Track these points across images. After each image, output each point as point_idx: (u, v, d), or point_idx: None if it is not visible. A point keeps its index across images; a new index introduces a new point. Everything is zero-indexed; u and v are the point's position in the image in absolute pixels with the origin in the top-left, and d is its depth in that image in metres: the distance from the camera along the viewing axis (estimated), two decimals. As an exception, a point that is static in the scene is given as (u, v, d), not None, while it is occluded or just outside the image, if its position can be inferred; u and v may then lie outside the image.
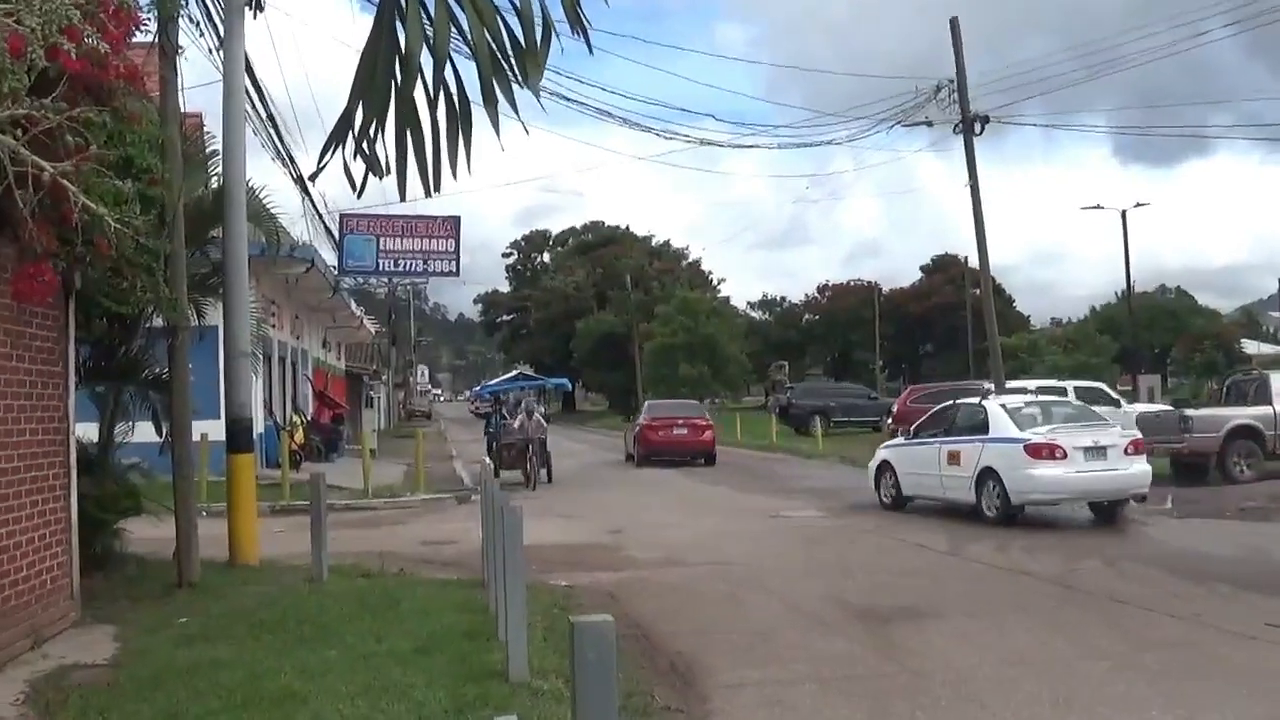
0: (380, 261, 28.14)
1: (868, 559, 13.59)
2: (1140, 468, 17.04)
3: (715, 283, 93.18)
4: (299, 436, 29.39)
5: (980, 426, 17.82)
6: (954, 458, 17.90)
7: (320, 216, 28.52)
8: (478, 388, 49.88)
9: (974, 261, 34.32)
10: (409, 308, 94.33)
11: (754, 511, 19.52)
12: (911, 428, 20.35)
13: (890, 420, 35.46)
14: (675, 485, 25.78)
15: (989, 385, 28.51)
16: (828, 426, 44.39)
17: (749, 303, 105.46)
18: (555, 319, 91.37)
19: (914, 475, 19.06)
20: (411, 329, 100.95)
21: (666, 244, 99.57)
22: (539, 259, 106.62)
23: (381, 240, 27.69)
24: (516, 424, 26.36)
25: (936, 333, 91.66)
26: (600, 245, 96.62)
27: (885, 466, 19.96)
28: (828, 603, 10.70)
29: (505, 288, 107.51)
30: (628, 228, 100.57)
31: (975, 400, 19.26)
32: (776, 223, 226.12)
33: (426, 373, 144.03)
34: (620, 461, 34.72)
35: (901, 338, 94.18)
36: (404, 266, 28.72)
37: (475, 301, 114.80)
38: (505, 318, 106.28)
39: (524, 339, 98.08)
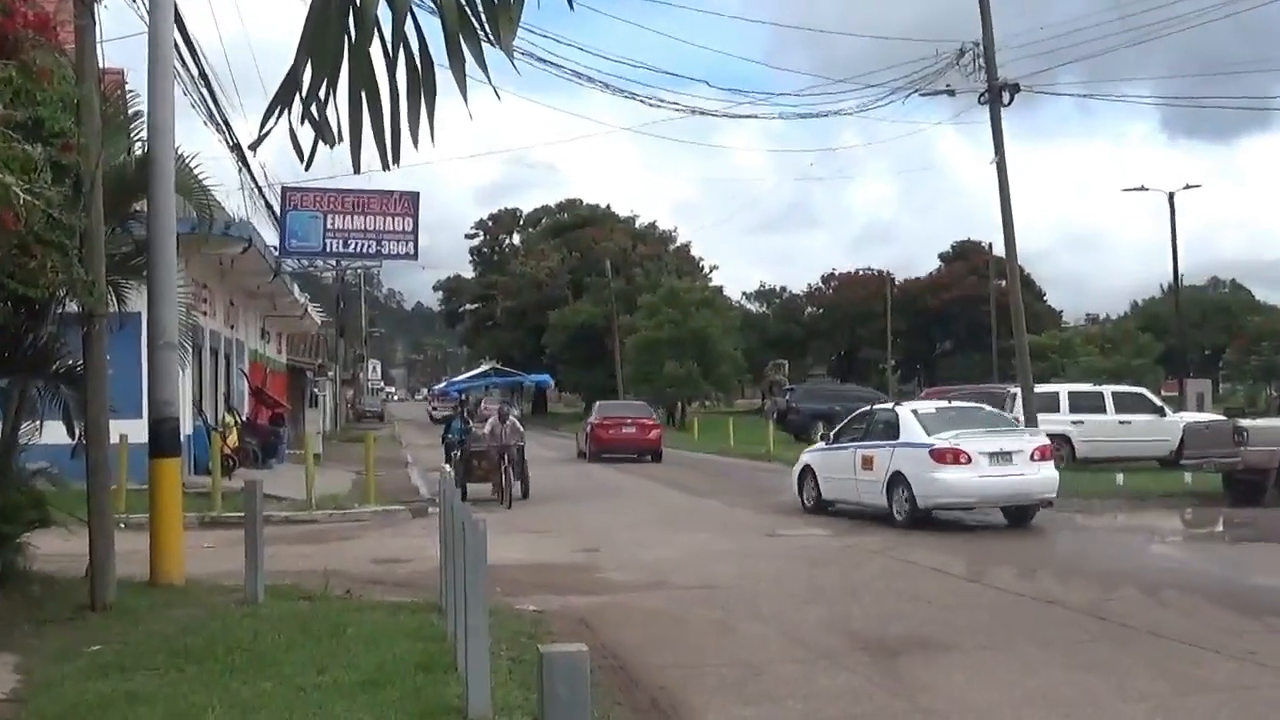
0: (328, 242, 28.11)
1: (876, 583, 13.65)
2: (1047, 474, 19.36)
3: (706, 270, 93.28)
4: (232, 439, 29.34)
5: (891, 431, 20.17)
6: (867, 462, 20.40)
7: (260, 190, 28.48)
8: (441, 384, 48.31)
9: (999, 249, 34.43)
10: (360, 295, 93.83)
11: (747, 528, 19.63)
12: (832, 432, 22.76)
13: None
14: (659, 498, 25.86)
15: (1014, 389, 28.63)
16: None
17: (745, 293, 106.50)
18: (525, 309, 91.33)
19: (832, 479, 21.57)
20: (363, 319, 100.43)
21: (652, 226, 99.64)
22: (507, 241, 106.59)
23: (329, 218, 27.64)
24: (487, 429, 26.02)
25: (956, 329, 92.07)
26: (576, 226, 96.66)
27: (807, 470, 22.56)
28: (830, 632, 10.68)
29: (469, 273, 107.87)
30: (608, 207, 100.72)
31: (889, 405, 21.92)
32: (777, 203, 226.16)
33: (379, 368, 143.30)
34: (592, 466, 34.98)
35: (916, 334, 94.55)
36: (354, 247, 28.70)
37: (435, 288, 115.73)
38: (469, 307, 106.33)
39: (490, 331, 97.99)
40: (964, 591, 13.22)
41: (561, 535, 18.87)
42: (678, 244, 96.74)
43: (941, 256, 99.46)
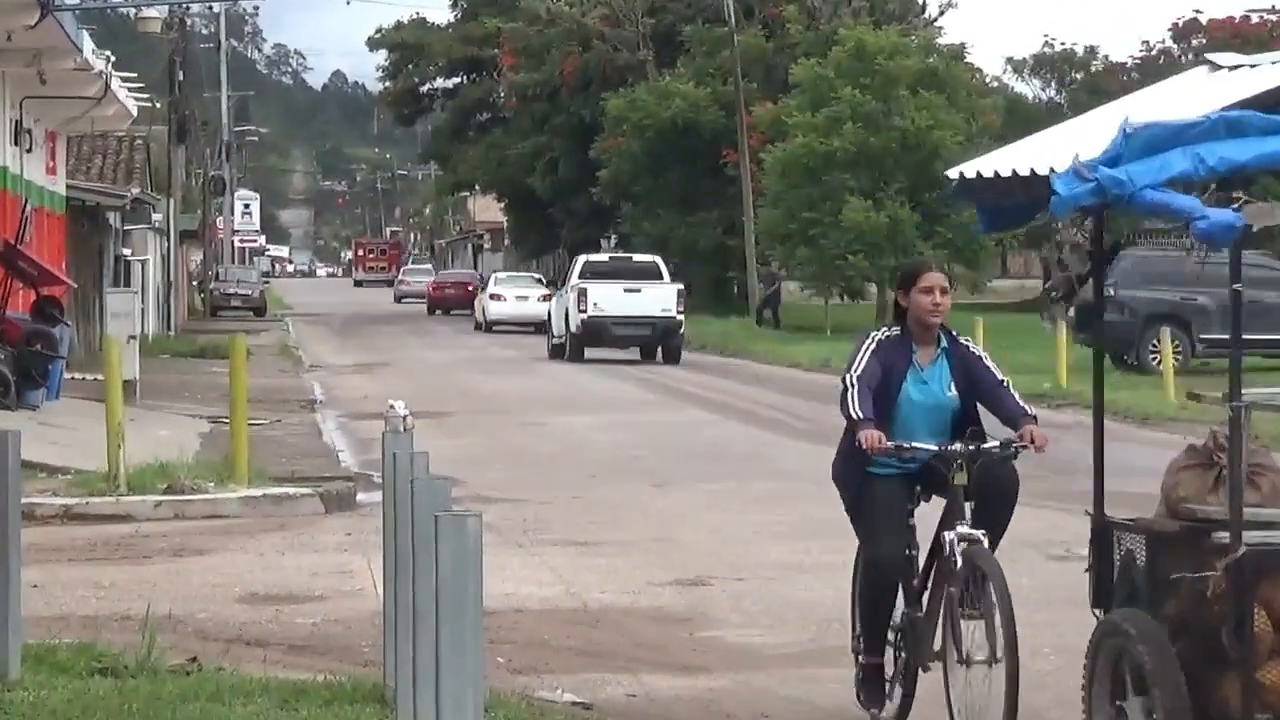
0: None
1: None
2: (540, 308, 39.67)
3: (932, 12, 52.92)
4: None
5: (484, 285, 51.81)
6: (483, 302, 48.19)
7: None
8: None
9: None
10: (219, 57, 63.31)
11: (1015, 542, 11.96)
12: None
13: None
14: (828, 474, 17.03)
15: None
16: (1190, 351, 28.25)
17: (1010, 60, 61.91)
18: (557, 88, 54.36)
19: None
20: (223, 107, 66.74)
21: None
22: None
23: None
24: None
25: None
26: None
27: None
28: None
29: (442, 15, 66.77)
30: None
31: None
32: None
33: (256, 209, 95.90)
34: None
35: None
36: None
37: (372, 46, 69.29)
38: (441, 84, 66.28)
39: (483, 134, 61.31)
40: None
41: (630, 548, 12.15)
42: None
43: None
